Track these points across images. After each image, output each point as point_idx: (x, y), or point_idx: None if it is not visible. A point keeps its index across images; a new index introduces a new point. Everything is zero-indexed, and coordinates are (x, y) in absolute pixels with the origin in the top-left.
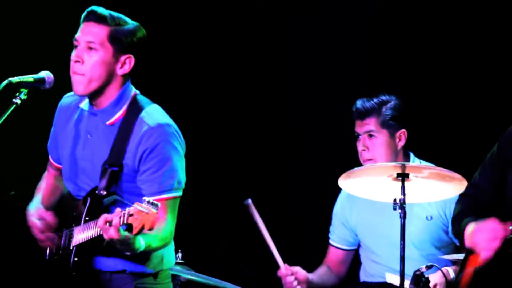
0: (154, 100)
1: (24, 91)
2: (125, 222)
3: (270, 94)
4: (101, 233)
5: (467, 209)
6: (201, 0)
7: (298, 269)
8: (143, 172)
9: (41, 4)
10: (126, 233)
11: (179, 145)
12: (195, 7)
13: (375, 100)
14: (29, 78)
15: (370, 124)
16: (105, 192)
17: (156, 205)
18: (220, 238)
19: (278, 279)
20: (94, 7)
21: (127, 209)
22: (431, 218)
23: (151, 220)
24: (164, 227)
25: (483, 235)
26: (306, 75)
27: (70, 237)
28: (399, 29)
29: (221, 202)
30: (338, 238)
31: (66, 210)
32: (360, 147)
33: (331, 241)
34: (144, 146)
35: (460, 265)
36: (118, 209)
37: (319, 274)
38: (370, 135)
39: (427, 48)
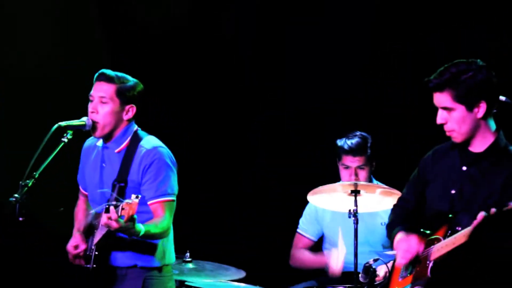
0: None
1: (70, 132)
2: (119, 214)
3: (268, 95)
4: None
5: (397, 218)
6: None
7: None
8: (144, 183)
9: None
10: (122, 221)
11: (170, 162)
12: (196, 8)
13: (361, 140)
14: (74, 122)
15: (361, 160)
16: (115, 202)
17: (137, 197)
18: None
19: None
20: (104, 70)
21: (120, 206)
22: (384, 224)
23: (133, 207)
24: (161, 220)
25: (402, 246)
26: (306, 75)
27: (93, 240)
28: (398, 29)
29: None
30: (311, 230)
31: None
32: (351, 176)
33: (300, 231)
34: (144, 163)
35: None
36: (112, 208)
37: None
38: (362, 168)
39: (426, 48)
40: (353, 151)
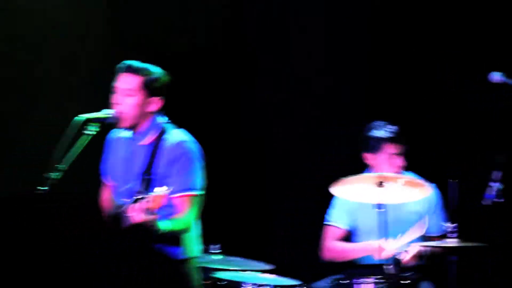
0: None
1: (97, 124)
2: (145, 207)
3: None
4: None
5: None
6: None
7: None
8: (169, 176)
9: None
10: (149, 213)
11: (197, 156)
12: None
13: (396, 128)
14: (98, 115)
15: (402, 147)
16: (141, 196)
17: (168, 189)
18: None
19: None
20: (129, 61)
21: (145, 199)
22: (413, 212)
23: (158, 200)
24: (184, 215)
25: None
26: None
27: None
28: (396, 30)
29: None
30: (344, 221)
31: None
32: (399, 163)
33: (332, 222)
34: (171, 157)
35: None
36: (138, 201)
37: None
38: (402, 155)
39: (425, 49)
40: (396, 138)
